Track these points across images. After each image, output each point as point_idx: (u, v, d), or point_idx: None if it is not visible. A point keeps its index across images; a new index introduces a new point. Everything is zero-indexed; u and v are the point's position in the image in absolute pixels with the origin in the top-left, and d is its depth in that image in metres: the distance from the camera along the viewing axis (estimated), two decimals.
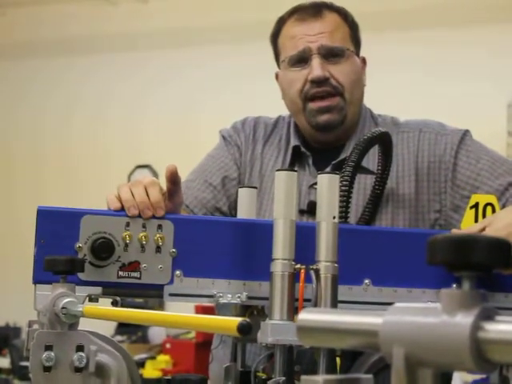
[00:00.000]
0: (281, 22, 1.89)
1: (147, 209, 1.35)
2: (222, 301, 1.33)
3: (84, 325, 1.26)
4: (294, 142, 1.88)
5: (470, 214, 1.50)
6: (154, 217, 1.36)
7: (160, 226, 1.35)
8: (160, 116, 5.77)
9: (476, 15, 5.02)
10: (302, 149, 1.87)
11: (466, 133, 1.83)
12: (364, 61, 1.91)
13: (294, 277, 1.24)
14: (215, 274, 1.35)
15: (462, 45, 4.99)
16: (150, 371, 4.55)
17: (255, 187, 1.58)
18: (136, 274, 1.34)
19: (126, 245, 1.34)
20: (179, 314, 0.94)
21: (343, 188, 1.51)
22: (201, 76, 5.62)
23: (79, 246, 1.32)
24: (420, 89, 4.99)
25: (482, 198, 1.51)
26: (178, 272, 1.34)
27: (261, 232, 1.35)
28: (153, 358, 4.76)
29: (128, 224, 1.34)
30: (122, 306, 1.30)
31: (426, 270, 1.35)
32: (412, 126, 1.87)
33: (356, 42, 1.88)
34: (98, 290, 1.33)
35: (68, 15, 6.04)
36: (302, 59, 1.82)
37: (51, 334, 1.22)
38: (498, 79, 4.86)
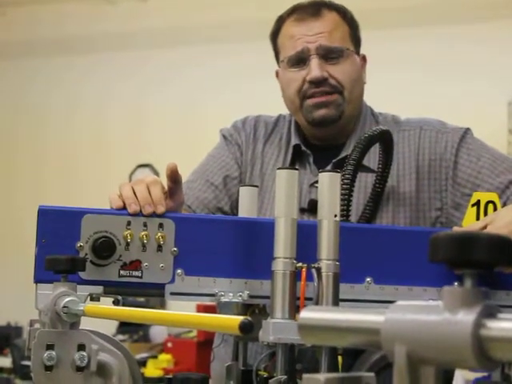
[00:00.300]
0: (280, 21, 1.89)
1: (148, 205, 1.35)
2: (223, 299, 1.33)
3: (85, 324, 1.26)
4: (294, 140, 1.89)
5: (471, 211, 1.50)
6: (155, 215, 1.36)
7: (161, 225, 1.35)
8: (161, 115, 5.77)
9: (476, 13, 5.01)
10: (303, 147, 1.87)
11: (466, 131, 1.83)
12: (364, 58, 1.91)
13: (295, 275, 1.23)
14: (216, 273, 1.35)
15: (463, 43, 4.99)
16: (152, 370, 4.55)
17: (256, 186, 1.58)
18: (137, 273, 1.34)
19: (127, 244, 1.34)
20: (180, 312, 0.94)
21: (344, 186, 1.51)
22: (201, 75, 5.62)
23: (80, 245, 1.32)
24: (420, 87, 4.98)
25: (483, 196, 1.51)
26: (179, 271, 1.34)
27: (262, 231, 1.35)
28: (154, 357, 4.76)
29: (129, 223, 1.34)
30: (124, 305, 1.30)
31: (427, 268, 1.35)
32: (413, 124, 1.86)
33: (356, 40, 1.88)
34: (99, 289, 1.33)
35: (68, 14, 6.03)
36: (300, 59, 1.82)
37: (52, 333, 1.22)
38: (499, 77, 4.86)
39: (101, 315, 1.13)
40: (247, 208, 1.52)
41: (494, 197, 1.51)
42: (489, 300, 0.59)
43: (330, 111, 1.81)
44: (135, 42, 5.87)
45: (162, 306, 4.60)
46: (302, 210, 1.76)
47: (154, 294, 1.40)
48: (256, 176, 1.88)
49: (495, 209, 1.49)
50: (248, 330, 0.79)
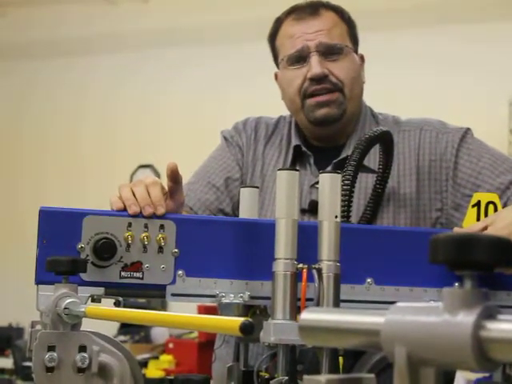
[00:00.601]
0: (278, 22, 1.89)
1: (148, 206, 1.35)
2: (224, 301, 1.33)
3: (86, 325, 1.26)
4: (295, 141, 1.89)
5: (471, 212, 1.50)
6: (155, 216, 1.36)
7: (162, 226, 1.36)
8: (162, 116, 5.77)
9: (477, 12, 5.02)
10: (303, 148, 1.87)
11: (467, 131, 1.83)
12: (362, 58, 1.92)
13: (296, 276, 1.24)
14: (217, 274, 1.35)
15: (464, 42, 4.99)
16: (153, 371, 4.55)
17: (257, 187, 1.58)
18: (138, 275, 1.34)
19: (128, 245, 1.34)
20: (182, 314, 0.94)
21: (345, 187, 1.51)
22: (203, 76, 5.62)
23: (81, 247, 1.32)
24: (421, 87, 4.98)
25: (483, 197, 1.51)
26: (180, 272, 1.35)
27: (263, 232, 1.35)
28: (156, 357, 4.76)
29: (130, 224, 1.35)
30: (125, 306, 1.30)
31: (427, 269, 1.35)
32: (413, 125, 1.87)
33: (354, 39, 1.88)
34: (100, 290, 1.33)
35: (68, 15, 6.03)
36: (300, 57, 1.82)
37: (54, 334, 1.22)
38: (500, 77, 4.86)
39: (102, 316, 1.13)
40: (248, 209, 1.52)
41: (494, 197, 1.51)
42: (489, 301, 0.59)
43: (332, 110, 1.81)
44: (136, 42, 5.87)
45: (164, 307, 4.60)
46: (302, 211, 1.76)
47: (155, 295, 1.40)
48: (257, 177, 1.88)
49: (496, 209, 1.49)
50: (248, 332, 0.79)
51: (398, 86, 4.91)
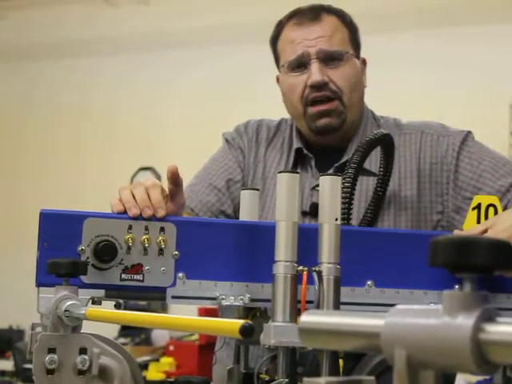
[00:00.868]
0: (279, 26, 1.89)
1: (147, 208, 1.35)
2: (224, 303, 1.33)
3: (87, 327, 1.26)
4: (296, 144, 1.89)
5: (472, 215, 1.50)
6: (155, 218, 1.36)
7: (162, 229, 1.36)
8: (162, 118, 5.77)
9: (478, 15, 5.02)
10: (305, 151, 1.87)
11: (467, 134, 1.83)
12: (364, 62, 1.92)
13: (296, 279, 1.24)
14: (218, 276, 1.35)
15: (464, 44, 4.99)
16: (154, 373, 4.55)
17: (257, 189, 1.58)
18: (139, 277, 1.34)
19: (129, 247, 1.34)
20: (182, 316, 0.94)
21: (345, 190, 1.51)
22: (203, 78, 5.62)
23: (82, 249, 1.32)
24: (421, 89, 4.98)
25: (484, 199, 1.51)
26: (180, 274, 1.35)
27: (263, 234, 1.35)
28: (156, 360, 4.76)
29: (130, 227, 1.35)
30: (125, 308, 1.30)
31: (428, 272, 1.35)
32: (414, 128, 1.87)
33: (355, 43, 1.88)
34: (100, 292, 1.33)
35: (69, 17, 6.04)
36: (301, 64, 1.82)
37: (54, 336, 1.22)
38: (501, 79, 4.86)
39: (102, 319, 1.13)
40: (248, 211, 1.52)
41: (494, 200, 1.51)
42: (488, 304, 0.59)
43: (333, 120, 1.82)
44: (137, 45, 5.87)
45: (164, 309, 4.60)
46: (303, 214, 1.76)
47: (156, 297, 1.40)
48: (258, 179, 1.89)
49: (496, 212, 1.49)
50: (248, 334, 0.79)
51: (398, 89, 4.92)
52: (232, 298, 1.34)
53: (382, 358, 1.36)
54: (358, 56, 1.89)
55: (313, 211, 1.72)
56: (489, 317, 0.57)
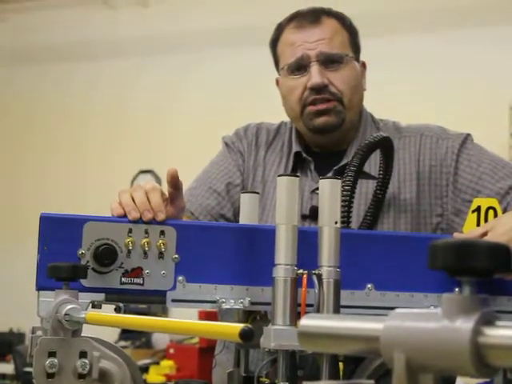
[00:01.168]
0: (279, 29, 1.89)
1: (147, 211, 1.35)
2: (224, 306, 1.33)
3: (87, 331, 1.26)
4: (295, 147, 1.89)
5: (472, 217, 1.50)
6: (155, 222, 1.36)
7: (162, 232, 1.36)
8: (163, 121, 5.77)
9: (478, 16, 5.02)
10: (304, 154, 1.88)
11: (467, 137, 1.83)
12: (364, 65, 1.92)
13: (296, 282, 1.24)
14: (218, 280, 1.35)
15: (464, 46, 4.99)
16: (154, 376, 4.55)
17: (257, 192, 1.58)
18: (139, 281, 1.34)
19: (129, 251, 1.34)
20: (182, 320, 0.94)
21: (345, 193, 1.51)
22: (203, 81, 5.62)
23: (82, 253, 1.32)
24: (421, 91, 4.99)
25: (483, 202, 1.52)
26: (180, 278, 1.35)
27: (263, 237, 1.35)
28: (156, 363, 4.76)
29: (130, 230, 1.35)
30: (125, 312, 1.30)
31: (428, 275, 1.35)
32: (413, 131, 1.87)
33: (355, 47, 1.88)
34: (100, 296, 1.33)
35: (68, 21, 6.05)
36: (300, 66, 1.82)
37: (54, 340, 1.22)
38: (501, 81, 4.86)
39: (102, 323, 1.13)
40: (248, 215, 1.52)
41: (494, 203, 1.51)
42: (488, 307, 0.59)
43: (331, 118, 1.82)
44: (137, 48, 5.88)
45: (165, 312, 4.60)
46: (303, 217, 1.76)
47: (156, 301, 1.40)
48: (258, 183, 1.89)
49: (496, 215, 1.49)
50: (248, 338, 0.79)
51: (397, 90, 4.91)
52: (232, 301, 1.34)
53: (381, 361, 1.36)
54: (357, 59, 1.89)
55: (312, 214, 1.72)
56: (488, 320, 0.58)
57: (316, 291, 1.24)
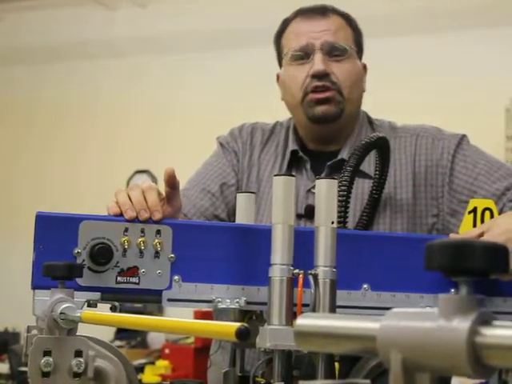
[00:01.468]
0: (285, 23, 1.91)
1: (144, 210, 1.35)
2: (220, 306, 1.33)
3: (83, 330, 1.26)
4: (292, 146, 1.89)
5: (468, 218, 1.51)
6: (152, 221, 1.36)
7: (158, 231, 1.36)
8: (158, 121, 5.77)
9: (474, 19, 5.02)
10: (300, 153, 1.87)
11: (463, 137, 1.83)
12: (365, 67, 1.92)
13: (292, 282, 1.24)
14: (214, 279, 1.35)
15: (460, 48, 5.00)
16: (149, 376, 4.55)
17: (253, 192, 1.58)
18: (134, 280, 1.34)
19: (125, 250, 1.34)
20: (178, 319, 0.94)
21: (341, 193, 1.51)
22: (200, 82, 5.62)
23: (78, 252, 1.32)
24: (417, 93, 4.99)
25: (480, 203, 1.52)
26: (176, 277, 1.35)
27: (259, 237, 1.35)
28: (152, 363, 4.75)
29: (126, 229, 1.35)
30: (121, 311, 1.30)
31: (424, 275, 1.36)
32: (409, 131, 1.87)
33: (358, 46, 1.90)
34: (96, 295, 1.33)
35: (67, 20, 6.04)
36: (304, 54, 1.83)
37: (50, 339, 1.22)
38: (496, 83, 4.86)
39: (98, 322, 1.13)
40: (244, 214, 1.52)
41: (490, 204, 1.51)
42: (484, 307, 0.59)
43: (331, 108, 1.82)
44: (134, 48, 5.87)
45: (160, 311, 4.60)
46: (298, 216, 1.76)
47: (151, 300, 1.40)
48: (253, 182, 1.89)
49: (492, 216, 1.49)
50: (244, 337, 0.79)
51: (395, 91, 4.92)
52: (228, 300, 1.33)
53: (378, 361, 1.36)
54: (360, 58, 1.90)
55: (308, 214, 1.72)
56: (485, 320, 0.57)
57: (312, 291, 1.24)
